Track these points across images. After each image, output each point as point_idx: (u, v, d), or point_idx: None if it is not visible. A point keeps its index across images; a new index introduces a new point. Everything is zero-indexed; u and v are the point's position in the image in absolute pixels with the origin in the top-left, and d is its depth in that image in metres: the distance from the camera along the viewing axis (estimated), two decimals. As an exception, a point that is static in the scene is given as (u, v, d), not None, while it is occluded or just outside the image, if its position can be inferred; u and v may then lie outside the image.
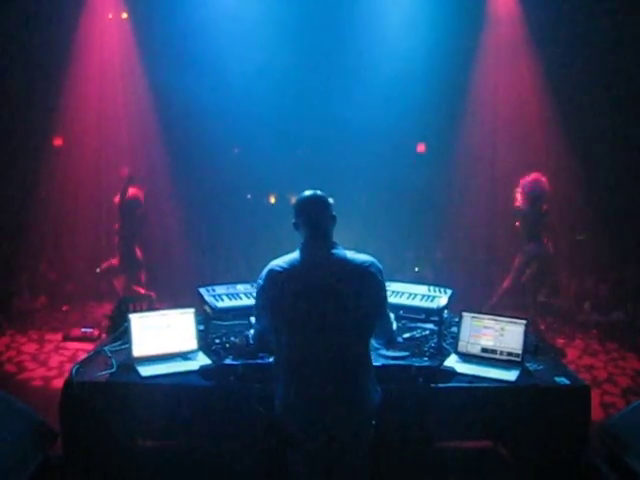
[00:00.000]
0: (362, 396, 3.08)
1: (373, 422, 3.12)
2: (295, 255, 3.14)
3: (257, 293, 3.20)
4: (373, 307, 3.11)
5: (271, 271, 3.11)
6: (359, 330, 3.08)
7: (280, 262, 3.12)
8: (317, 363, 3.01)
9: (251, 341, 3.44)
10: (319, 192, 3.22)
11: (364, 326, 3.11)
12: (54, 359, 6.81)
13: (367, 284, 3.08)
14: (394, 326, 3.41)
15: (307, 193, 3.21)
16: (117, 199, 7.79)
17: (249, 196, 10.15)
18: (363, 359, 3.13)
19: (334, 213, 3.19)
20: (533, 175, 7.46)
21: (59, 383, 3.82)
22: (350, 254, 3.13)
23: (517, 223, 7.68)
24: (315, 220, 3.14)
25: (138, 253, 7.90)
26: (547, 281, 8.02)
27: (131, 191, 7.77)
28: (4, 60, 8.40)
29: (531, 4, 8.86)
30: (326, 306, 3.00)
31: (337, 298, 3.01)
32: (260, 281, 3.15)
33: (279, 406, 3.10)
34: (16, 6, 8.32)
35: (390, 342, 3.56)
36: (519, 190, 7.49)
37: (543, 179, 7.45)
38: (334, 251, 3.11)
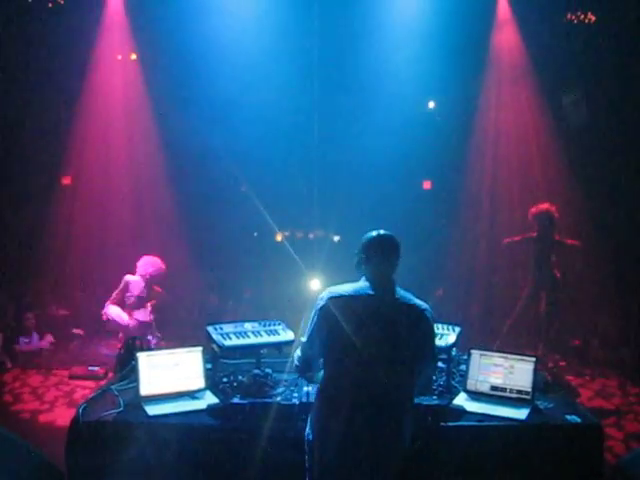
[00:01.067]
0: (399, 433, 3.14)
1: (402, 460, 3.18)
2: (359, 285, 3.22)
3: (313, 316, 3.24)
4: (425, 350, 3.23)
5: (332, 296, 3.18)
6: (408, 370, 3.16)
7: (344, 289, 3.21)
8: (362, 395, 3.07)
9: (296, 362, 3.44)
10: (391, 234, 3.32)
11: (413, 367, 3.19)
12: (55, 396, 6.79)
13: (423, 327, 3.20)
14: (434, 375, 3.52)
15: (382, 233, 3.31)
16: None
17: (256, 234, 10.18)
18: (406, 399, 3.21)
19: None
20: (543, 204, 7.57)
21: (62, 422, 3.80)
22: (409, 295, 3.25)
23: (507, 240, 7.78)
24: (387, 258, 3.24)
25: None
26: (557, 314, 7.98)
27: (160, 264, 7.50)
28: (16, 99, 8.53)
29: (533, 39, 8.97)
30: (381, 340, 3.08)
31: (393, 335, 3.10)
32: (320, 302, 3.20)
33: (316, 431, 3.16)
34: (27, 50, 8.48)
35: (426, 388, 3.70)
36: (530, 219, 7.59)
37: (553, 208, 7.56)
38: (397, 289, 3.22)
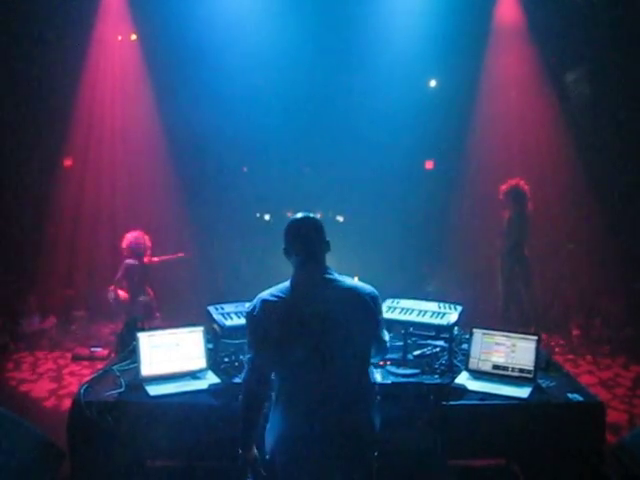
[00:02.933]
0: (363, 427, 2.96)
1: (375, 453, 3.04)
2: (286, 284, 2.99)
3: (249, 326, 3.00)
4: (370, 332, 3.03)
5: (264, 302, 2.94)
6: (358, 357, 2.98)
7: (273, 292, 2.97)
8: (317, 395, 2.89)
9: (247, 379, 3.03)
10: (311, 215, 3.03)
11: (363, 353, 3.01)
12: (57, 377, 6.84)
13: (363, 310, 2.96)
14: (387, 338, 3.24)
15: (298, 216, 3.03)
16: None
17: (258, 214, 10.16)
18: (364, 388, 3.02)
19: (327, 238, 3.03)
20: (512, 180, 7.75)
21: (67, 403, 3.80)
22: (344, 280, 3.00)
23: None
24: (307, 245, 2.97)
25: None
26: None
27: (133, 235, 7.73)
28: (16, 82, 8.49)
29: (535, 14, 8.88)
30: (323, 335, 2.87)
31: (333, 326, 2.88)
32: (253, 313, 2.96)
33: (273, 441, 2.96)
34: (25, 31, 8.41)
35: (384, 357, 3.58)
36: (501, 197, 7.76)
37: (520, 183, 7.68)
38: (327, 277, 2.97)
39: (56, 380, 6.77)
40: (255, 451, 3.12)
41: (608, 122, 8.63)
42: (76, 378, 6.74)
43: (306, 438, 2.87)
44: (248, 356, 3.03)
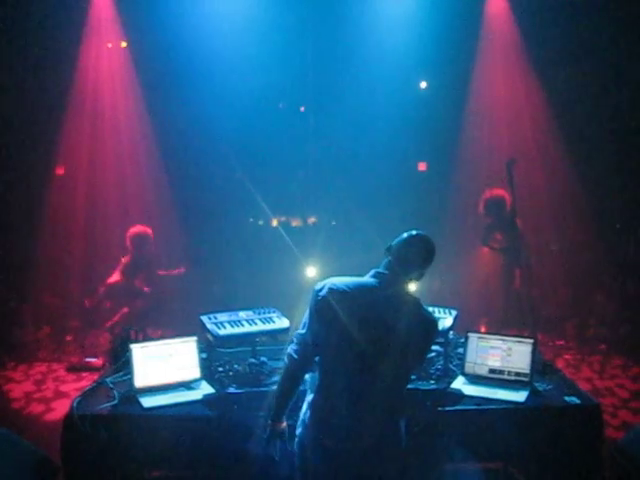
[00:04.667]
0: (394, 434, 3.06)
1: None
2: (363, 280, 3.05)
3: (311, 305, 3.04)
4: (418, 358, 3.21)
5: (334, 288, 2.97)
6: (402, 374, 3.09)
7: (345, 282, 3.01)
8: (358, 394, 2.96)
9: (295, 356, 3.06)
10: (432, 242, 3.10)
11: (407, 372, 3.13)
12: (51, 389, 6.78)
13: (425, 338, 3.11)
14: None
15: (423, 237, 3.09)
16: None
17: (251, 219, 10.12)
18: (401, 398, 3.13)
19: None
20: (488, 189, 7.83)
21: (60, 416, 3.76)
22: (422, 304, 3.10)
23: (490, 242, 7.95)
24: (412, 262, 3.04)
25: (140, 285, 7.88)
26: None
27: (138, 228, 7.82)
28: (4, 89, 8.45)
29: (524, 16, 8.89)
30: (380, 340, 2.93)
31: (395, 337, 2.94)
32: (319, 293, 2.99)
33: (305, 433, 3.06)
34: (15, 39, 8.37)
35: None
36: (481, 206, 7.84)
37: (496, 192, 7.77)
38: (407, 294, 3.07)
39: (49, 392, 6.71)
40: (285, 424, 3.19)
41: (599, 120, 8.63)
42: (70, 389, 6.69)
43: (341, 432, 2.96)
44: (300, 332, 3.10)
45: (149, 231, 7.91)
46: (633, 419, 5.77)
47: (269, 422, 3.17)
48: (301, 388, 3.21)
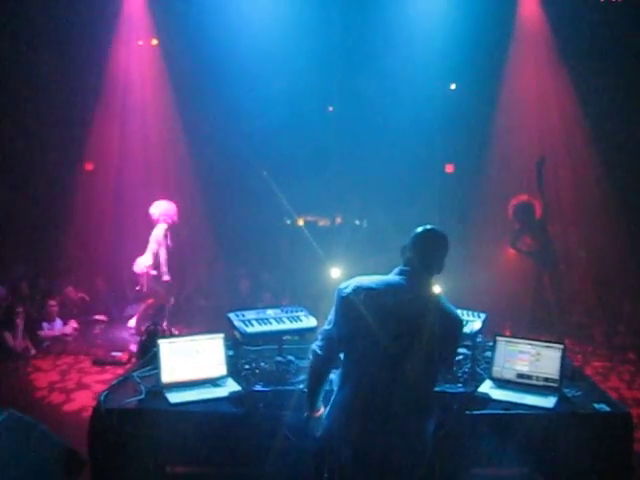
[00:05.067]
0: (420, 435, 3.02)
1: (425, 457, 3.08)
2: (391, 278, 3.07)
3: (337, 303, 3.06)
4: (446, 355, 3.15)
5: (360, 286, 3.00)
6: (431, 371, 3.06)
7: (372, 280, 3.03)
8: (383, 393, 2.94)
9: (319, 352, 3.07)
10: (444, 233, 3.14)
11: (436, 369, 3.10)
12: (78, 383, 6.83)
13: (452, 336, 3.09)
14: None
15: (435, 229, 3.14)
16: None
17: (289, 222, 10.12)
18: (428, 398, 3.10)
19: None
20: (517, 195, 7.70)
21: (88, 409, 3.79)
22: (444, 300, 3.11)
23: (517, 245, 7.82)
24: (429, 256, 3.08)
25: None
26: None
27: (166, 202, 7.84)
28: (36, 86, 8.56)
29: (557, 20, 8.80)
30: (407, 339, 2.93)
31: (421, 335, 2.94)
32: (345, 291, 3.02)
33: (331, 427, 3.05)
34: (48, 36, 8.48)
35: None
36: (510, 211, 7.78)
37: (525, 198, 7.71)
38: (430, 291, 3.08)
39: (76, 385, 6.77)
40: (321, 410, 3.21)
41: (632, 127, 8.52)
42: (91, 381, 6.77)
43: (366, 433, 2.95)
44: (326, 327, 3.10)
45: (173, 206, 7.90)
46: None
47: (306, 414, 3.22)
48: (327, 388, 3.20)
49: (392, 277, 3.07)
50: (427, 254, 3.07)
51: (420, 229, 3.13)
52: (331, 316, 3.10)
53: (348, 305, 2.99)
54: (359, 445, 2.96)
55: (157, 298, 7.91)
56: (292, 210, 9.43)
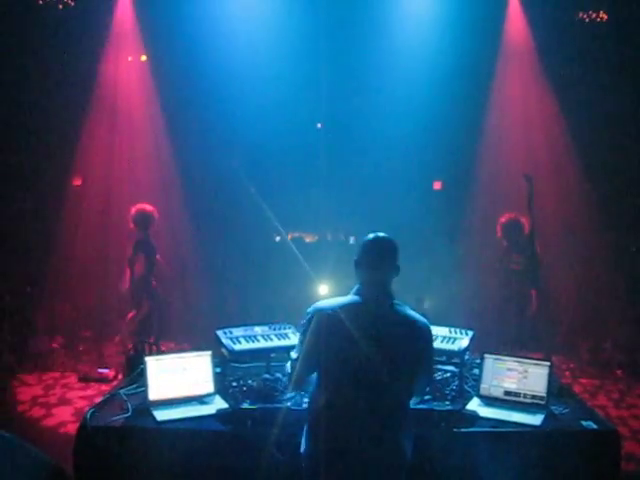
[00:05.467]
0: (396, 450, 3.00)
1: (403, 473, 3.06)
2: (348, 298, 3.06)
3: (302, 332, 3.11)
4: (419, 365, 3.07)
5: (320, 311, 3.03)
6: (402, 386, 3.02)
7: (330, 303, 3.05)
8: (355, 413, 2.94)
9: (289, 379, 3.23)
10: (389, 237, 3.12)
11: (407, 383, 3.04)
12: (63, 399, 6.78)
13: (419, 342, 3.04)
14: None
15: (378, 235, 3.12)
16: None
17: (278, 238, 10.09)
18: (402, 414, 3.06)
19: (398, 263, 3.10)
20: (510, 214, 7.67)
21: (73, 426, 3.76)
22: (405, 309, 3.08)
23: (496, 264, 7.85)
24: (379, 266, 3.06)
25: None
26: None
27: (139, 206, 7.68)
28: (24, 99, 8.55)
29: (543, 37, 8.91)
30: (372, 357, 2.91)
31: (386, 350, 2.94)
32: (306, 320, 3.07)
33: (307, 451, 3.04)
34: (39, 49, 8.49)
35: (421, 399, 3.53)
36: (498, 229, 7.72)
37: (514, 216, 7.60)
38: (391, 302, 3.05)
39: (58, 400, 6.72)
40: None
41: (614, 138, 8.63)
42: (74, 397, 6.72)
43: (341, 454, 2.93)
44: (295, 355, 3.19)
45: (153, 210, 7.71)
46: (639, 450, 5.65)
47: None
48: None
49: (349, 297, 3.07)
50: (376, 264, 3.05)
51: (363, 242, 3.12)
52: (298, 345, 3.16)
53: (311, 330, 3.03)
54: (337, 465, 2.94)
55: (141, 309, 7.81)
56: (280, 227, 9.43)
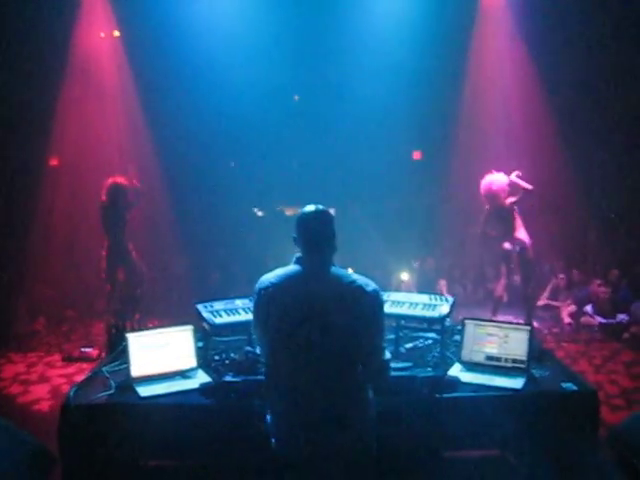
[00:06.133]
0: (354, 415, 2.97)
1: (373, 437, 3.06)
2: (288, 269, 3.04)
3: (254, 307, 3.11)
4: (368, 328, 2.96)
5: (261, 284, 3.02)
6: (349, 352, 2.94)
7: (270, 276, 3.03)
8: (305, 383, 2.91)
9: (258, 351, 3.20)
10: (321, 207, 3.09)
11: (354, 348, 2.94)
12: (48, 379, 6.77)
13: (363, 304, 2.93)
14: (388, 371, 3.15)
15: (309, 207, 3.08)
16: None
17: (260, 213, 10.07)
18: (353, 379, 2.99)
19: (335, 231, 3.07)
20: (486, 176, 7.59)
21: (57, 406, 3.75)
22: (349, 274, 3.02)
23: (486, 228, 7.81)
24: (315, 235, 3.02)
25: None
26: (530, 275, 7.91)
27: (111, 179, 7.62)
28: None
29: (519, 8, 8.88)
30: (316, 324, 2.87)
31: (329, 317, 2.88)
32: (253, 295, 3.07)
33: (271, 428, 3.04)
34: (9, 27, 8.31)
35: (384, 383, 3.20)
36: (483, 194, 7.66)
37: (495, 176, 7.55)
38: (332, 269, 3.00)
39: (46, 382, 6.70)
40: None
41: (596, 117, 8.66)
42: (67, 379, 6.68)
43: (300, 427, 2.92)
44: (253, 331, 3.21)
45: (125, 182, 7.65)
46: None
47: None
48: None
49: (290, 267, 3.04)
50: (314, 235, 3.01)
51: (299, 215, 3.07)
52: (253, 317, 3.13)
53: (258, 305, 3.03)
54: (298, 439, 2.93)
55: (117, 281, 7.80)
56: (260, 201, 9.41)
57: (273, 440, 3.05)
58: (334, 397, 2.93)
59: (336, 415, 2.93)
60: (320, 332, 2.87)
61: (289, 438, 2.96)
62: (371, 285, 2.98)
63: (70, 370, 6.89)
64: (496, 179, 7.51)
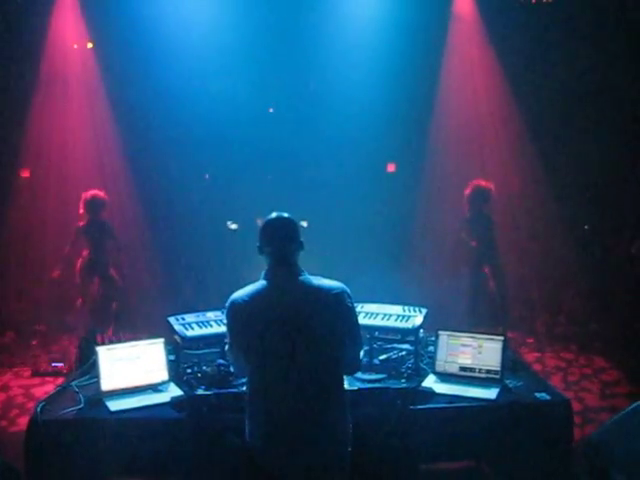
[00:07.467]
0: (334, 427, 2.96)
1: (349, 449, 3.03)
2: (258, 285, 3.01)
3: (226, 326, 3.10)
4: (342, 334, 2.98)
5: (233, 303, 2.99)
6: (329, 360, 2.95)
7: (242, 293, 2.99)
8: (286, 396, 2.89)
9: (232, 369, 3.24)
10: (286, 215, 3.08)
11: (334, 355, 2.97)
12: (16, 395, 6.63)
13: (335, 311, 2.95)
14: (361, 354, 3.22)
15: (273, 216, 3.07)
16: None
17: (234, 226, 9.99)
18: (334, 389, 3.00)
19: (302, 238, 3.06)
20: (476, 182, 7.70)
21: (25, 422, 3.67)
22: (317, 280, 3.01)
23: (462, 234, 7.86)
24: (281, 245, 3.00)
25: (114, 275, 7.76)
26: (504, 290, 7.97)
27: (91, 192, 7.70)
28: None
29: (490, 14, 8.98)
30: (293, 337, 2.87)
31: (304, 328, 2.88)
32: (225, 314, 3.04)
33: (250, 441, 2.99)
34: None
35: (353, 372, 3.38)
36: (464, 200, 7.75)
37: (482, 183, 7.67)
38: (300, 278, 2.99)
39: (14, 397, 6.56)
40: None
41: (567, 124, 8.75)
42: (35, 395, 6.54)
43: (281, 439, 2.90)
44: (227, 348, 3.16)
45: (104, 196, 7.79)
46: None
47: None
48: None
49: (259, 283, 3.02)
50: (278, 245, 3.01)
51: (261, 226, 3.08)
52: (227, 334, 3.11)
53: (229, 324, 3.03)
54: (276, 450, 2.91)
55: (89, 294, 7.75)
56: (236, 214, 9.35)
57: (252, 451, 3.00)
58: (317, 404, 2.91)
59: (318, 427, 2.91)
60: (301, 342, 2.87)
61: (269, 449, 2.92)
62: (338, 286, 3.00)
63: (33, 382, 6.81)
64: (482, 184, 7.64)
